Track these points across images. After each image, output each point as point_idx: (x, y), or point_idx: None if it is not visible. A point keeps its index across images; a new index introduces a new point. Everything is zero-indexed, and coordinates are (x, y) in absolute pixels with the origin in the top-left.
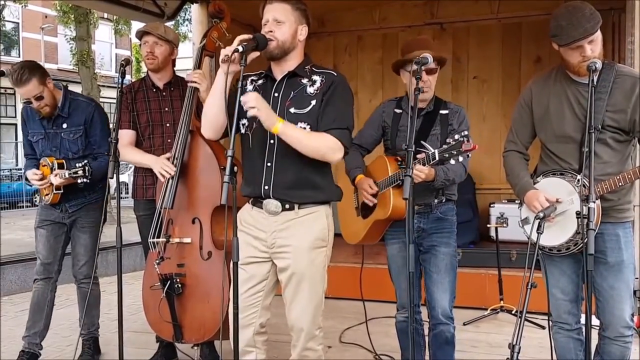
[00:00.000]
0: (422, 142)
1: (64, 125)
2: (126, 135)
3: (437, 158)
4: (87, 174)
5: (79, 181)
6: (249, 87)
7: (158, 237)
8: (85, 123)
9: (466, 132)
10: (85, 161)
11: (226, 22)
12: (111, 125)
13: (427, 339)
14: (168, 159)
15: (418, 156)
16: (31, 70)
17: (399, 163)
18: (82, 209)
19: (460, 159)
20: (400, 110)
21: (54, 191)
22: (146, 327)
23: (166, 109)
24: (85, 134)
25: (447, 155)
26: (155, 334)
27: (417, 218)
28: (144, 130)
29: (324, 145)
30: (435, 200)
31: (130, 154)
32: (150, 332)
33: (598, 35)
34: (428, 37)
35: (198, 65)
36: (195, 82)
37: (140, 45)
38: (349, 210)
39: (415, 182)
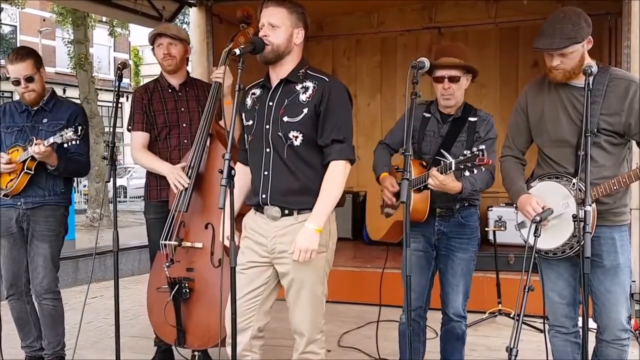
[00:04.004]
0: (442, 151)
1: (44, 120)
2: (140, 138)
3: (453, 168)
4: (79, 134)
5: (65, 145)
6: (248, 101)
7: (169, 239)
8: (68, 120)
9: (483, 146)
10: (76, 124)
11: (253, 28)
12: (107, 129)
13: (432, 342)
14: (183, 168)
15: (441, 163)
16: (29, 52)
17: (424, 166)
18: (37, 211)
19: (475, 171)
20: (429, 115)
21: (25, 170)
22: (144, 332)
23: (182, 109)
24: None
25: (462, 167)
26: (154, 338)
27: (438, 221)
28: (161, 131)
29: (340, 184)
30: (457, 205)
31: (145, 159)
32: (148, 337)
33: (574, 50)
34: (459, 43)
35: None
36: (219, 78)
37: (153, 49)
38: (375, 207)
39: (433, 189)
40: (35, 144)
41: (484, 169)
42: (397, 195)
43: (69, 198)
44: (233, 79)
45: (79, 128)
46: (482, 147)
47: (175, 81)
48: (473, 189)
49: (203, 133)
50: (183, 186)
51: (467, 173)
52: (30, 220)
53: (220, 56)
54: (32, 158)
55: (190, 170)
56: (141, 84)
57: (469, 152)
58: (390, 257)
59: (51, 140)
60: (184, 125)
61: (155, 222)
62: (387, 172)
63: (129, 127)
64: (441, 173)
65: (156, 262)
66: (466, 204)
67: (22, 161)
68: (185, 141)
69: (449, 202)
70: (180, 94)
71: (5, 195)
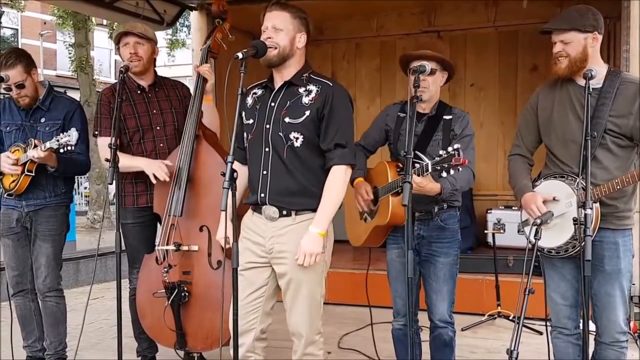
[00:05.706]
0: (417, 153)
1: (42, 120)
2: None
3: (429, 170)
4: (72, 140)
5: (61, 150)
6: (249, 100)
7: (165, 244)
8: (64, 119)
9: (458, 145)
10: (73, 128)
11: (229, 23)
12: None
13: (423, 345)
14: (168, 166)
15: (417, 165)
16: (18, 56)
17: (398, 170)
18: (39, 212)
19: (452, 172)
20: (404, 114)
21: (26, 172)
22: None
23: (154, 111)
24: (62, 130)
25: (439, 168)
26: (136, 347)
27: (417, 225)
28: (133, 135)
29: (341, 188)
30: (436, 207)
31: (121, 160)
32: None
33: (574, 38)
34: (440, 41)
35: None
36: (206, 73)
37: (118, 49)
38: (354, 212)
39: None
40: (34, 148)
41: (461, 169)
42: (373, 202)
43: (70, 197)
44: (214, 79)
45: (74, 133)
46: (457, 145)
47: (144, 82)
48: (454, 188)
49: (190, 134)
50: (164, 178)
51: (444, 174)
52: (32, 221)
53: (225, 59)
54: (32, 160)
55: (180, 173)
56: None
57: (444, 152)
58: (377, 258)
59: (47, 145)
60: (158, 128)
61: (132, 228)
62: (362, 176)
63: (96, 133)
64: (418, 175)
65: (144, 268)
66: (445, 207)
67: (23, 163)
68: (162, 145)
69: (428, 205)
70: (150, 95)
71: (9, 195)
